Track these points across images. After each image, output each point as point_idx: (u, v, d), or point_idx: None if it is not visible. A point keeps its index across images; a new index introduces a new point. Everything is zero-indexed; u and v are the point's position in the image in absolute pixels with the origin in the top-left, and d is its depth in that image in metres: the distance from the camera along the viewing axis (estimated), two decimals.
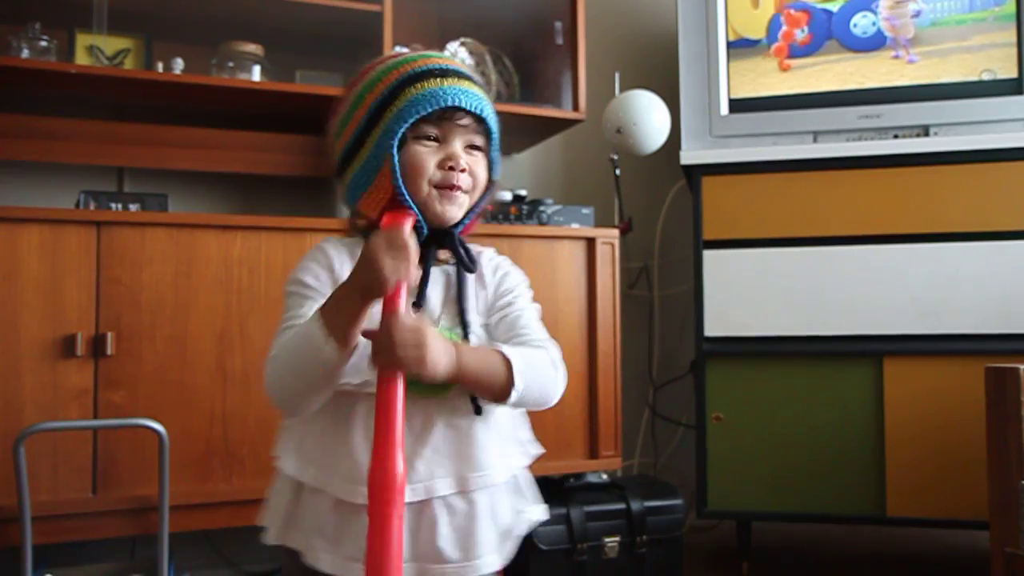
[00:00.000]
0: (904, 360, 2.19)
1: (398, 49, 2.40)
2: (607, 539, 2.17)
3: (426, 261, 1.02)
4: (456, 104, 0.99)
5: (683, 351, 2.89)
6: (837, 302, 2.23)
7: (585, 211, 2.33)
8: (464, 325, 1.03)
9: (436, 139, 1.01)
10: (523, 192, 2.32)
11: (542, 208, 2.27)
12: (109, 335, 1.76)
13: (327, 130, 1.09)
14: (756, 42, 2.39)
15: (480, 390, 0.99)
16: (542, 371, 1.02)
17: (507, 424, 1.07)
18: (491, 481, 1.01)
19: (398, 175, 0.99)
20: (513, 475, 1.06)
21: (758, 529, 2.56)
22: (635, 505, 2.20)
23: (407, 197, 1.00)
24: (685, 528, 2.29)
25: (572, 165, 2.89)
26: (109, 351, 1.76)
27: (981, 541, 2.20)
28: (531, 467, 1.10)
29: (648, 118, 2.43)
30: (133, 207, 2.00)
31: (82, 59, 2.15)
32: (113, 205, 1.98)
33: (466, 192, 1.04)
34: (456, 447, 1.00)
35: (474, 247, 1.09)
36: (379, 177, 1.00)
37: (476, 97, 1.02)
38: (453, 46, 2.44)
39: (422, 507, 0.98)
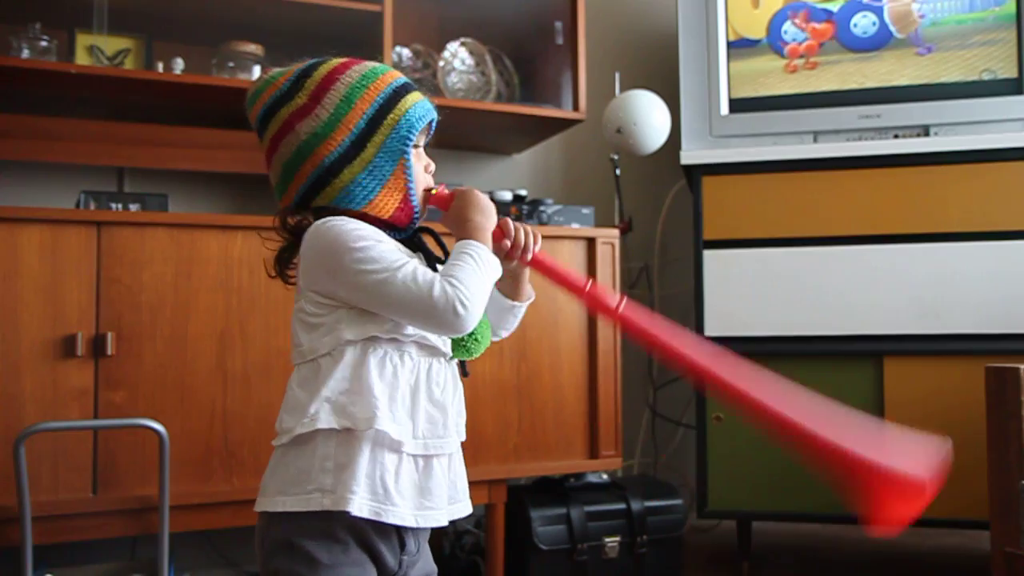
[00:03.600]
0: (904, 360, 2.19)
1: (398, 50, 2.40)
2: (607, 539, 2.17)
3: (424, 250, 1.15)
4: (436, 118, 1.15)
5: None
6: (837, 302, 2.23)
7: (585, 211, 2.33)
8: None
9: (416, 146, 1.13)
10: (523, 192, 2.32)
11: (542, 208, 2.27)
12: (109, 335, 1.76)
13: (279, 129, 1.11)
14: (756, 42, 2.39)
15: (523, 288, 1.21)
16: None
17: None
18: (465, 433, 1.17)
19: (413, 177, 1.11)
20: None
21: (758, 529, 2.55)
22: (635, 505, 2.21)
23: (415, 197, 1.12)
24: (685, 528, 2.29)
25: (572, 165, 2.89)
26: (109, 351, 1.76)
27: (981, 541, 2.20)
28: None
29: (648, 118, 2.43)
30: (133, 207, 2.00)
31: (82, 59, 2.15)
32: (113, 205, 1.98)
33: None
34: (460, 404, 1.15)
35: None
36: (393, 179, 1.10)
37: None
38: (453, 46, 2.44)
39: (452, 456, 1.13)
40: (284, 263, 1.14)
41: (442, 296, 1.01)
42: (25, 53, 2.04)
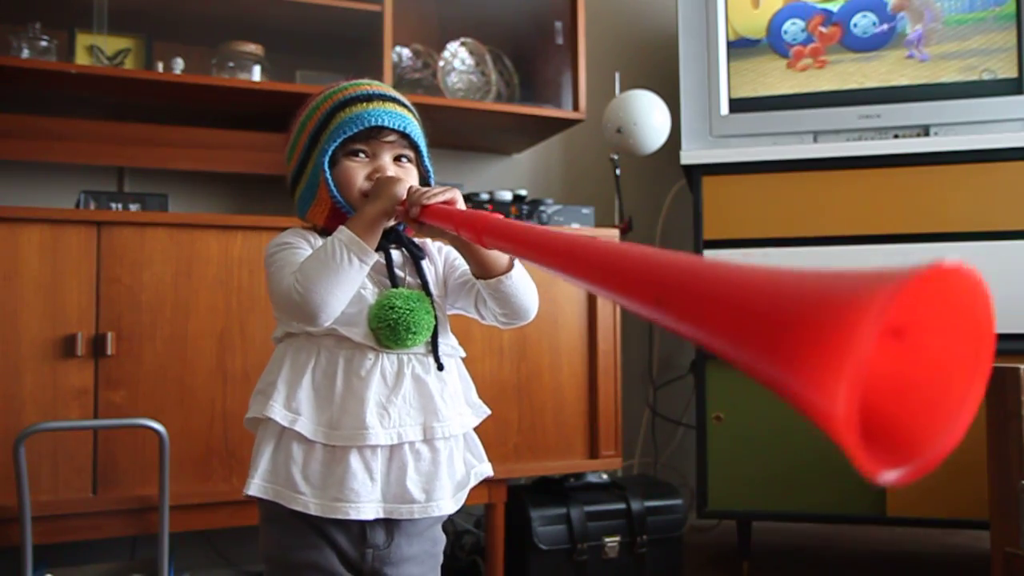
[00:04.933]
0: None
1: (398, 50, 2.40)
2: (607, 539, 2.17)
3: (385, 251, 1.16)
4: (380, 124, 1.15)
5: (683, 351, 2.89)
6: None
7: (585, 211, 2.33)
8: (428, 294, 1.17)
9: (366, 154, 1.17)
10: (523, 192, 2.32)
11: (542, 208, 2.27)
12: (109, 335, 1.76)
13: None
14: (756, 42, 2.39)
15: (486, 259, 1.13)
16: (529, 278, 1.19)
17: (459, 385, 1.20)
18: (450, 432, 1.14)
19: (333, 187, 1.15)
20: (465, 432, 1.19)
21: (758, 529, 2.55)
22: (635, 505, 2.20)
23: (344, 205, 1.15)
24: (685, 528, 2.29)
25: (572, 165, 2.89)
26: (109, 351, 1.76)
27: (981, 541, 2.20)
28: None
29: (648, 118, 2.43)
30: (133, 207, 2.00)
31: (82, 59, 2.15)
32: (113, 205, 1.98)
33: None
34: (421, 398, 1.13)
35: (417, 239, 1.23)
36: (319, 191, 1.16)
37: (399, 116, 1.17)
38: (453, 46, 2.44)
39: (394, 451, 1.10)
40: None
41: (287, 285, 1.07)
42: (25, 53, 2.04)
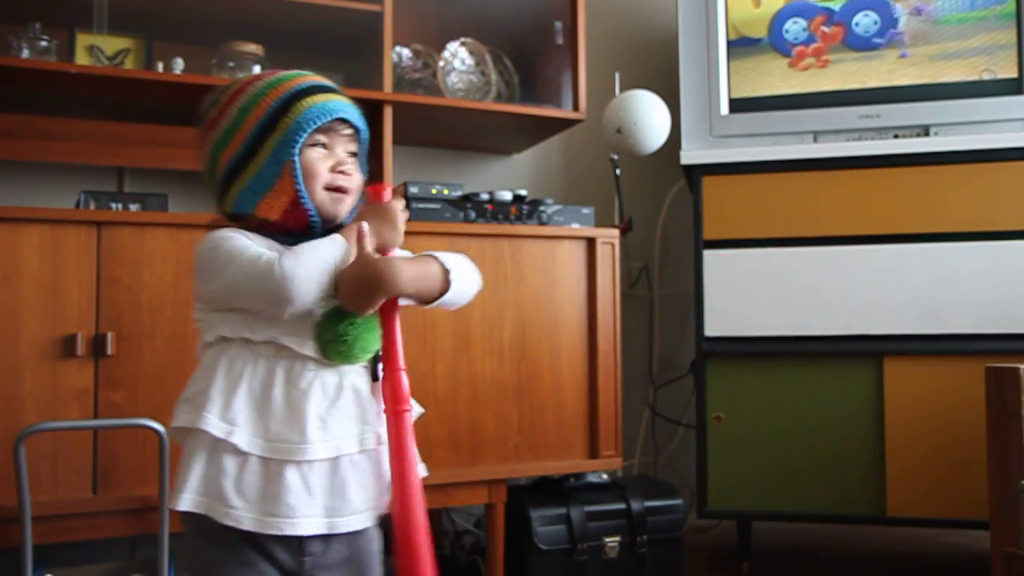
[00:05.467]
0: (904, 360, 2.19)
1: (398, 50, 2.40)
2: (607, 539, 2.17)
3: None
4: (344, 116, 1.16)
5: (683, 351, 2.89)
6: (837, 302, 2.23)
7: (585, 211, 2.33)
8: None
9: (324, 146, 1.15)
10: (523, 192, 2.31)
11: (542, 208, 2.27)
12: (109, 335, 1.76)
13: (199, 142, 1.17)
14: (757, 41, 2.39)
15: (424, 295, 1.14)
16: (468, 269, 1.20)
17: None
18: (383, 439, 1.13)
19: (300, 179, 1.12)
20: None
21: (758, 529, 2.55)
22: (635, 505, 2.21)
23: (307, 198, 1.12)
24: (685, 528, 2.29)
25: (572, 165, 2.89)
26: (109, 351, 1.76)
27: (981, 541, 2.20)
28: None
29: (648, 118, 2.43)
30: (133, 207, 2.00)
31: (82, 59, 2.15)
32: (113, 205, 1.98)
33: (350, 193, 1.17)
34: (358, 409, 1.12)
35: None
36: (280, 182, 1.11)
37: (355, 110, 1.18)
38: (453, 46, 2.44)
39: (335, 465, 1.09)
40: None
41: (267, 265, 1.04)
42: (25, 53, 2.04)
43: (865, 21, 2.32)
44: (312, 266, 1.05)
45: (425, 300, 1.15)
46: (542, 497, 2.20)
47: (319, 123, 1.13)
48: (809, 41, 2.36)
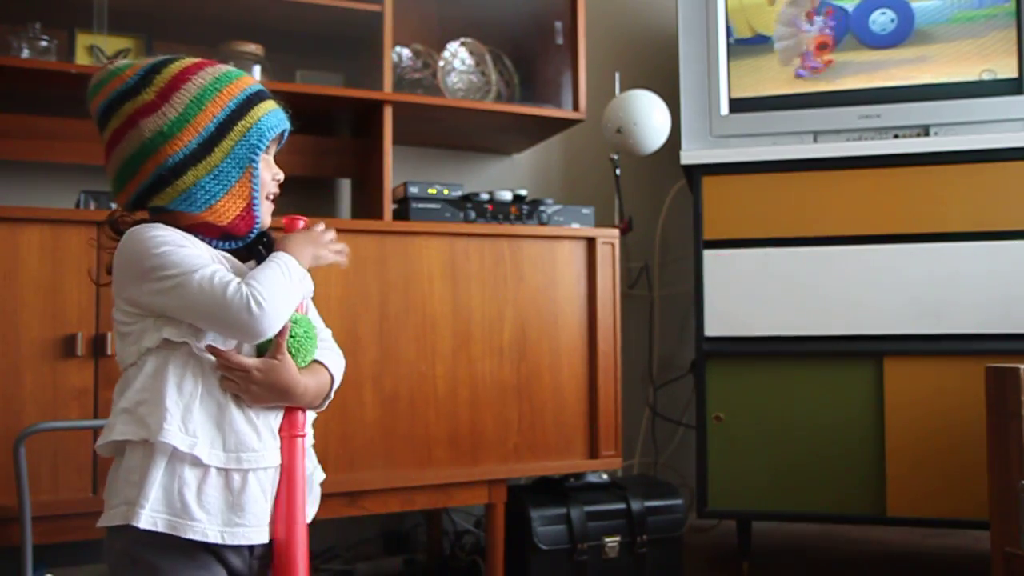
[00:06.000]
0: (904, 360, 2.19)
1: (398, 50, 2.39)
2: (607, 539, 2.17)
3: (260, 259, 1.12)
4: (287, 128, 1.16)
5: (683, 351, 2.89)
6: (837, 302, 2.23)
7: (585, 211, 2.33)
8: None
9: (265, 154, 1.14)
10: (523, 192, 2.32)
11: (542, 208, 2.27)
12: (109, 335, 1.76)
13: (121, 124, 1.09)
14: (767, 39, 2.38)
15: (314, 403, 1.15)
16: (342, 373, 1.21)
17: None
18: (312, 439, 1.17)
19: (259, 186, 1.12)
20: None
21: (758, 529, 2.56)
22: (635, 505, 2.21)
23: (259, 206, 1.12)
24: (685, 528, 2.29)
25: (572, 165, 2.89)
26: (109, 351, 1.76)
27: (981, 541, 2.20)
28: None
29: (648, 118, 2.43)
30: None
31: (82, 59, 2.15)
32: (113, 205, 1.97)
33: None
34: (291, 415, 1.13)
35: None
36: (238, 186, 1.10)
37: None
38: (453, 46, 2.44)
39: (278, 470, 1.10)
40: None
41: (236, 295, 1.01)
42: (25, 53, 2.04)
43: (882, 19, 2.31)
44: (283, 303, 1.06)
45: (313, 406, 1.16)
46: (542, 497, 2.21)
47: (279, 130, 1.14)
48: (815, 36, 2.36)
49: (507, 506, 2.13)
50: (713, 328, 2.29)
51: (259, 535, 1.06)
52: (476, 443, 2.07)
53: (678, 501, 2.27)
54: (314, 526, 1.16)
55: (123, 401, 1.04)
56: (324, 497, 1.22)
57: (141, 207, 1.11)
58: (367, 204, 2.30)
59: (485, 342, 2.10)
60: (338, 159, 2.43)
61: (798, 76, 2.36)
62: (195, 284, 1.02)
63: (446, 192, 2.21)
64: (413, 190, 2.17)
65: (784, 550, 2.63)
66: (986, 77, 2.25)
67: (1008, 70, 2.23)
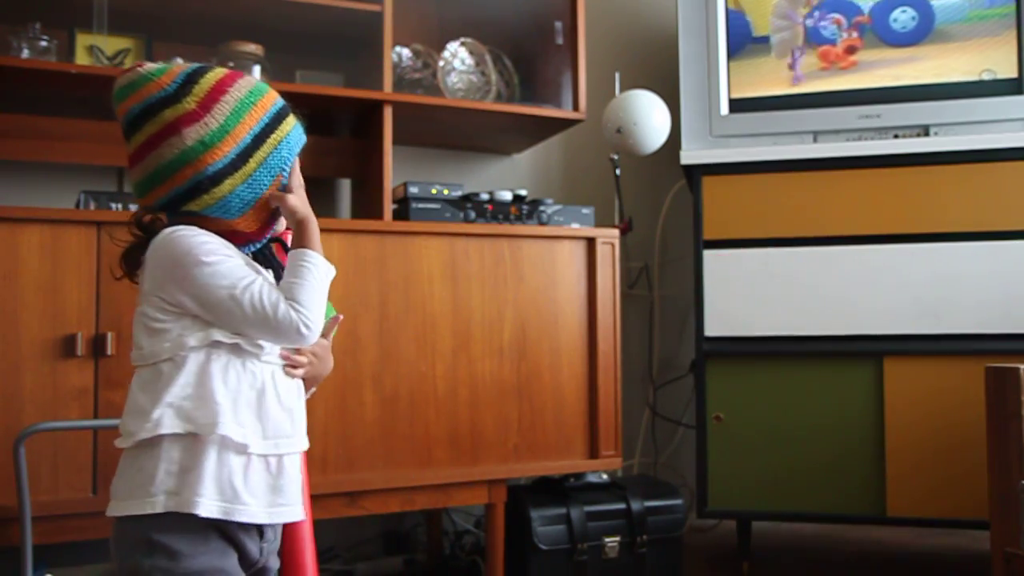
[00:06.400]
0: (904, 360, 2.19)
1: (398, 50, 2.39)
2: (607, 539, 2.17)
3: (275, 264, 1.20)
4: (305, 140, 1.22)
5: (683, 351, 2.89)
6: (837, 302, 2.23)
7: (585, 211, 2.33)
8: None
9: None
10: (523, 192, 2.32)
11: (542, 208, 2.27)
12: (109, 335, 1.76)
13: (161, 129, 1.11)
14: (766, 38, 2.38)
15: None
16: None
17: None
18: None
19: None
20: None
21: (758, 529, 2.56)
22: (635, 505, 2.21)
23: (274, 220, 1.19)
24: (685, 528, 2.29)
25: (572, 165, 2.89)
26: (109, 351, 1.76)
27: (981, 541, 2.20)
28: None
29: (648, 118, 2.43)
30: (133, 207, 1.99)
31: (82, 59, 2.15)
32: (113, 205, 1.98)
33: None
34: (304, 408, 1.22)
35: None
36: (263, 197, 1.15)
37: None
38: (453, 46, 2.44)
39: (298, 457, 1.18)
40: (133, 262, 1.16)
41: (285, 318, 1.09)
42: (25, 53, 2.04)
43: (903, 17, 2.30)
44: (322, 309, 1.14)
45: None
46: (542, 497, 2.21)
47: (301, 146, 1.19)
48: (835, 40, 2.35)
49: (507, 506, 2.13)
50: (713, 328, 2.29)
51: (296, 513, 1.14)
52: (476, 443, 2.07)
53: (678, 501, 2.27)
54: (314, 526, 1.17)
55: (167, 396, 1.08)
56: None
57: (171, 210, 1.14)
58: (367, 204, 2.30)
59: (485, 342, 2.10)
60: (338, 159, 2.43)
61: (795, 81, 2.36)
62: (246, 301, 1.08)
63: (446, 192, 2.21)
64: (413, 190, 2.17)
65: (784, 550, 2.63)
66: (986, 77, 2.25)
67: (1008, 70, 2.23)
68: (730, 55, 2.38)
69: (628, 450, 2.79)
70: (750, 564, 2.35)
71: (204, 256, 1.09)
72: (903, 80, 2.29)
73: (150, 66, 1.14)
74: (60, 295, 1.74)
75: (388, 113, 2.19)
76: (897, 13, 2.31)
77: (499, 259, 2.13)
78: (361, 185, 2.41)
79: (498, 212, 2.23)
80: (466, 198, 2.21)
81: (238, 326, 1.10)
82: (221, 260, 1.09)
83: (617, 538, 2.18)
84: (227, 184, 1.12)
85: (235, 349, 1.11)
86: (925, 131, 2.26)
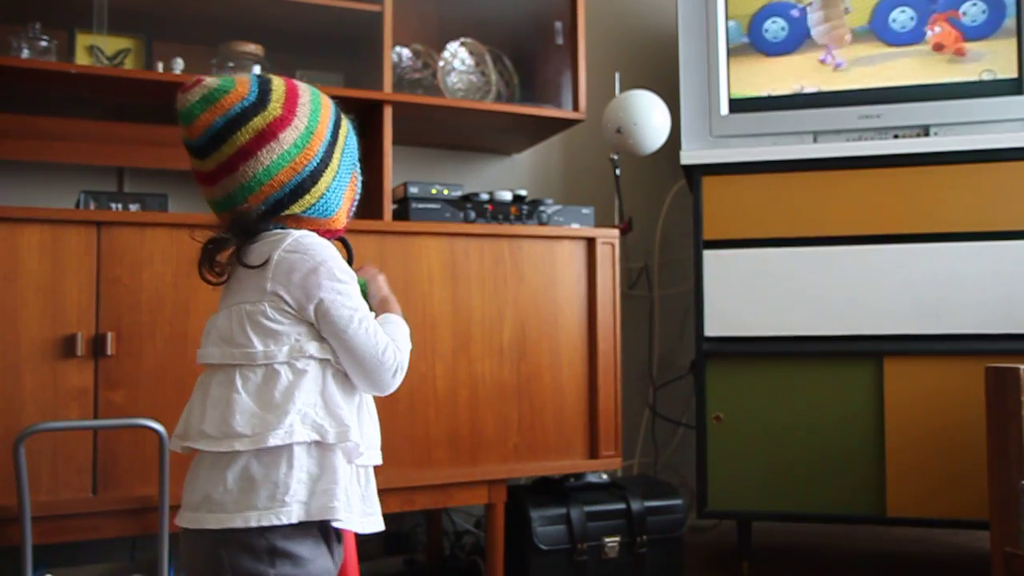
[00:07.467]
0: (904, 360, 2.19)
1: (398, 50, 2.40)
2: (607, 539, 2.17)
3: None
4: None
5: (683, 351, 2.89)
6: (837, 302, 2.23)
7: (585, 211, 2.33)
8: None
9: None
10: (523, 192, 2.32)
11: (542, 208, 2.27)
12: (109, 335, 1.76)
13: (256, 137, 1.13)
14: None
15: None
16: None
17: None
18: None
19: (360, 188, 1.26)
20: None
21: (758, 529, 2.56)
22: (635, 505, 2.21)
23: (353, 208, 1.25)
24: (685, 528, 2.29)
25: (572, 165, 2.89)
26: (109, 351, 1.76)
27: (981, 541, 2.21)
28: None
29: (648, 118, 2.43)
30: (133, 207, 2.00)
31: (82, 59, 2.15)
32: (113, 205, 1.98)
33: None
34: None
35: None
36: (348, 190, 1.22)
37: None
38: (453, 46, 2.44)
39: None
40: (212, 261, 1.14)
41: (391, 359, 1.14)
42: (25, 53, 2.04)
43: (902, 17, 2.30)
44: (406, 363, 1.20)
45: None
46: (542, 497, 2.21)
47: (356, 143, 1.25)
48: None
49: (507, 506, 2.13)
50: (713, 328, 2.29)
51: (379, 522, 1.16)
52: (476, 443, 2.07)
53: (678, 501, 2.27)
54: None
55: (295, 403, 1.08)
56: None
57: (274, 215, 1.15)
58: (367, 204, 2.30)
59: (485, 342, 2.10)
60: None
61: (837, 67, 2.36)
62: (363, 328, 1.12)
63: (446, 192, 2.21)
64: (413, 190, 2.17)
65: (784, 550, 2.63)
66: (986, 77, 2.25)
67: (1008, 70, 2.23)
68: (730, 55, 2.38)
69: (628, 450, 2.79)
70: (750, 564, 2.35)
71: (338, 272, 1.12)
72: (903, 80, 2.29)
73: (213, 79, 1.15)
74: (60, 295, 1.74)
75: (388, 113, 2.19)
76: (896, 13, 2.31)
77: (499, 259, 2.13)
78: (361, 185, 2.40)
79: (498, 212, 2.23)
80: (466, 198, 2.21)
81: (345, 350, 1.12)
82: (348, 282, 1.13)
83: (617, 538, 2.18)
84: (323, 182, 1.16)
85: (332, 364, 1.14)
86: (925, 131, 2.26)
